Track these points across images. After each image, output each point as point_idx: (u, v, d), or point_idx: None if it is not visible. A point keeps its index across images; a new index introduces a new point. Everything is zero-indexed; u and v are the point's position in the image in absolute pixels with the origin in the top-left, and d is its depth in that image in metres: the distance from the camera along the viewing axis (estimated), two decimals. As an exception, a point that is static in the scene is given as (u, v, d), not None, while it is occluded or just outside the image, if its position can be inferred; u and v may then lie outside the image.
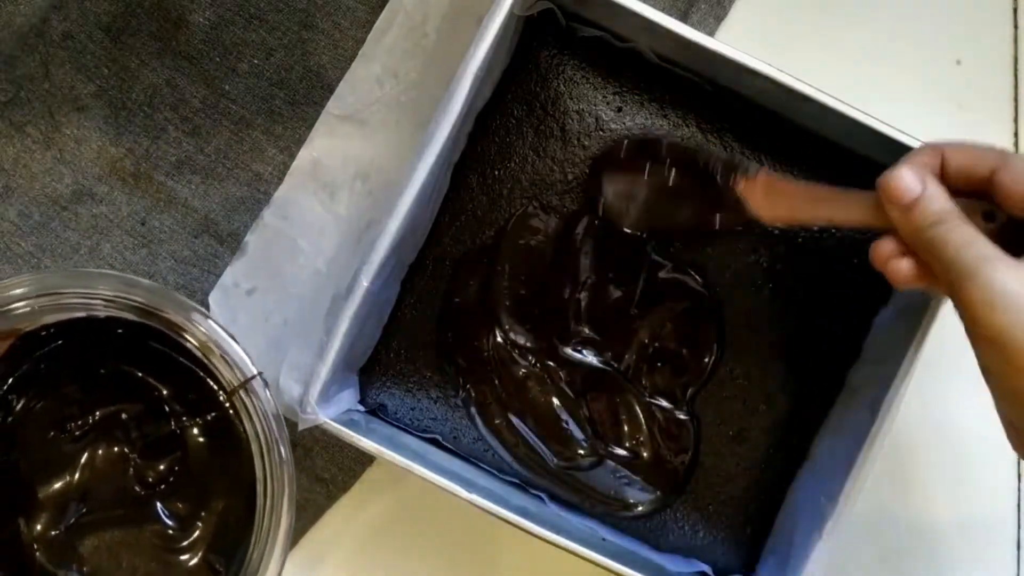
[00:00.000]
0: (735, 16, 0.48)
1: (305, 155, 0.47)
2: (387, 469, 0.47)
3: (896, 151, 0.41)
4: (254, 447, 0.37)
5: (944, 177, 0.35)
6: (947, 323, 0.42)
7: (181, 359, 0.39)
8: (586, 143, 0.45)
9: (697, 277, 0.45)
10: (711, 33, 0.48)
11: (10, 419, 0.40)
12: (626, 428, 0.46)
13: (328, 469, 0.48)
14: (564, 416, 0.45)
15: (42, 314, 0.37)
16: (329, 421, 0.40)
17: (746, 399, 0.46)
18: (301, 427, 0.41)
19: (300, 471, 0.48)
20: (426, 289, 0.46)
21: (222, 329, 0.36)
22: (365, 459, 0.48)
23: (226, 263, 0.47)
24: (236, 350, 0.36)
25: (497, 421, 0.45)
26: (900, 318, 0.43)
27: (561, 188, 0.46)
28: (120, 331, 0.38)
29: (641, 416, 0.45)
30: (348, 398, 0.44)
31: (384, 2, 0.47)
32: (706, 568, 0.45)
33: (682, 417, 0.46)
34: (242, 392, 0.36)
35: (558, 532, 0.41)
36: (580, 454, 0.45)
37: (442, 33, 0.47)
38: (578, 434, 0.45)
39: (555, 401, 0.45)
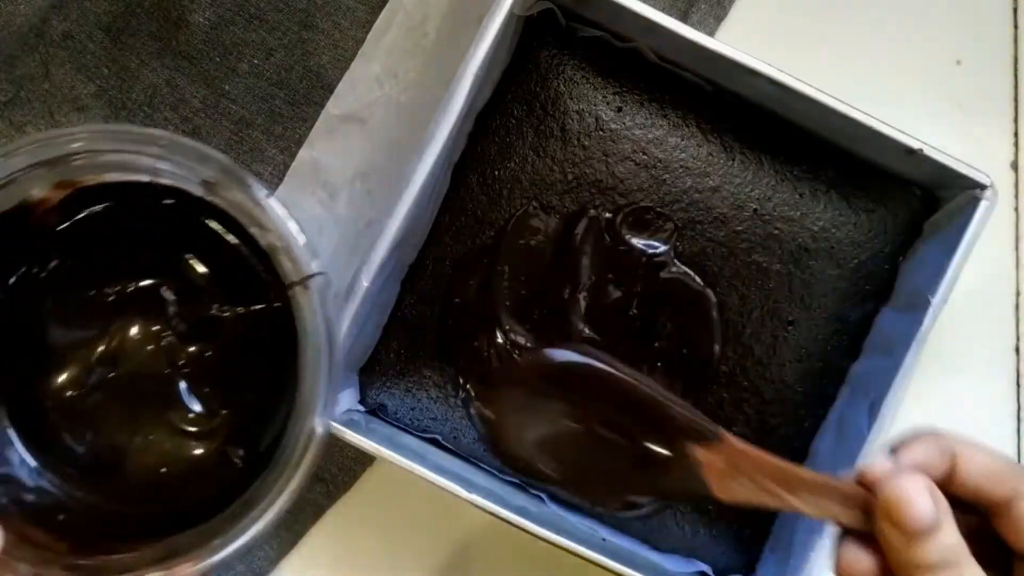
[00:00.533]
0: (735, 16, 0.48)
1: (305, 155, 0.47)
2: (387, 469, 0.47)
3: (896, 151, 0.41)
4: (302, 344, 0.34)
5: (948, 486, 0.29)
6: (948, 323, 0.42)
7: (240, 245, 0.36)
8: (586, 143, 0.45)
9: (697, 277, 0.45)
10: (711, 33, 0.48)
11: (47, 272, 0.37)
12: (626, 428, 0.46)
13: (328, 469, 0.48)
14: (564, 416, 0.45)
15: (105, 170, 0.35)
16: (329, 421, 0.40)
17: (746, 399, 0.46)
18: (301, 427, 0.41)
19: (300, 471, 0.48)
20: (426, 289, 0.46)
21: (292, 221, 0.33)
22: (365, 459, 0.48)
23: (226, 263, 0.47)
24: (301, 247, 0.33)
25: (497, 421, 0.45)
26: (901, 318, 0.43)
27: (561, 188, 0.46)
28: (177, 203, 0.36)
29: (641, 416, 0.45)
30: (348, 398, 0.44)
31: (384, 2, 0.47)
32: (706, 568, 0.45)
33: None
34: (299, 289, 0.33)
35: (558, 532, 0.41)
36: (580, 454, 0.45)
37: (442, 33, 0.47)
38: (578, 434, 0.45)
39: (555, 401, 0.45)
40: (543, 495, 0.45)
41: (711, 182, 0.45)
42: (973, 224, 0.41)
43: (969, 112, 0.49)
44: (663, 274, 0.45)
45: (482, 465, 0.45)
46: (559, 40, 0.45)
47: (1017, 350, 0.49)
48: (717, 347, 0.46)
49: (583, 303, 0.45)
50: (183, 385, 0.39)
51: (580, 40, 0.45)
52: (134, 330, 0.39)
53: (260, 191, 0.34)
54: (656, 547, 0.46)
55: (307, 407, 0.34)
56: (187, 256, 0.39)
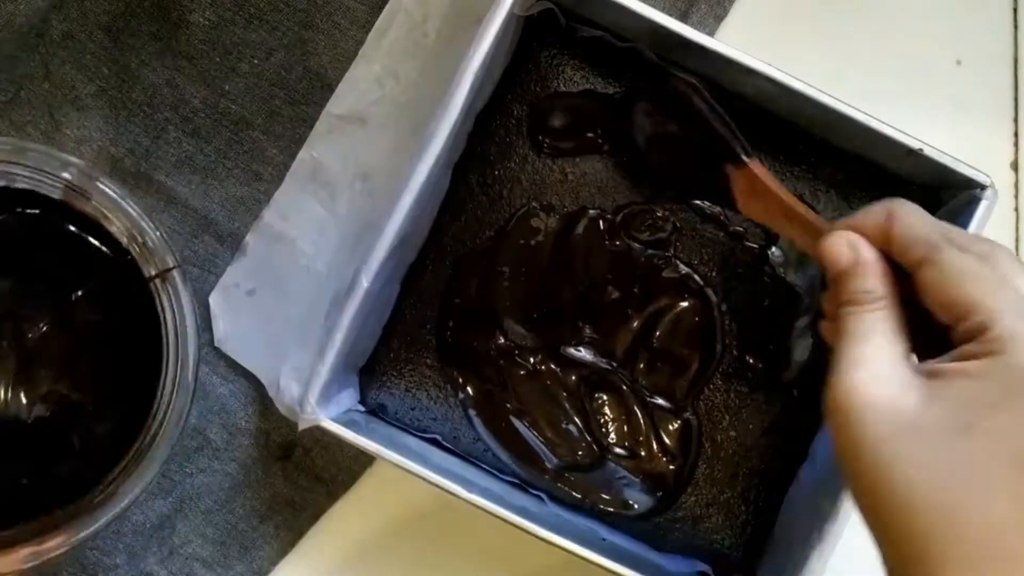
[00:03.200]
0: (735, 16, 0.48)
1: (305, 155, 0.47)
2: (387, 469, 0.47)
3: (896, 151, 0.41)
4: (164, 332, 0.37)
5: (888, 246, 0.32)
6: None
7: (99, 246, 0.39)
8: (586, 143, 0.45)
9: (697, 277, 0.45)
10: (711, 33, 0.48)
11: None
12: (626, 428, 0.46)
13: (328, 469, 0.48)
14: (564, 416, 0.45)
15: None
16: (329, 421, 0.40)
17: (746, 399, 0.46)
18: (301, 427, 0.41)
19: (300, 471, 0.48)
20: (426, 289, 0.46)
21: (147, 220, 0.36)
22: (365, 459, 0.48)
23: (226, 263, 0.47)
24: (158, 243, 0.36)
25: (497, 421, 0.45)
26: (900, 318, 0.43)
27: (561, 188, 0.46)
28: (39, 211, 0.38)
29: (641, 416, 0.45)
30: (348, 398, 0.44)
31: (384, 2, 0.47)
32: (706, 568, 0.45)
33: (682, 417, 0.46)
34: (158, 282, 0.36)
35: (558, 532, 0.41)
36: (580, 454, 0.45)
37: (442, 33, 0.47)
38: (578, 434, 0.45)
39: (555, 401, 0.45)
40: (543, 495, 0.45)
41: (711, 182, 0.45)
42: (973, 224, 0.41)
43: (969, 112, 0.49)
44: (664, 274, 0.45)
45: (482, 465, 0.45)
46: (559, 40, 0.45)
47: (1017, 350, 0.48)
48: (719, 347, 0.46)
49: (583, 303, 0.45)
50: (45, 372, 0.40)
51: (580, 40, 0.45)
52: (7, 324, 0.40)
53: (116, 192, 0.36)
54: (656, 547, 0.46)
55: (172, 388, 0.36)
56: (51, 259, 0.40)
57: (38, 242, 0.40)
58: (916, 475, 0.27)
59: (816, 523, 0.40)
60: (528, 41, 0.45)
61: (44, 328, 0.40)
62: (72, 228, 0.39)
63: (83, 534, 0.35)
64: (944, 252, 0.30)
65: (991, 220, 0.41)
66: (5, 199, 0.38)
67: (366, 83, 0.47)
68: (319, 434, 0.47)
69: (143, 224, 0.36)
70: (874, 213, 0.32)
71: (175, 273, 0.36)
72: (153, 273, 0.36)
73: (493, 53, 0.40)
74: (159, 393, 0.37)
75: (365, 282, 0.40)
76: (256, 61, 0.47)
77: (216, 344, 0.47)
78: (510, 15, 0.40)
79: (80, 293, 0.40)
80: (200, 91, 0.47)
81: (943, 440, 0.27)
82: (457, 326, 0.46)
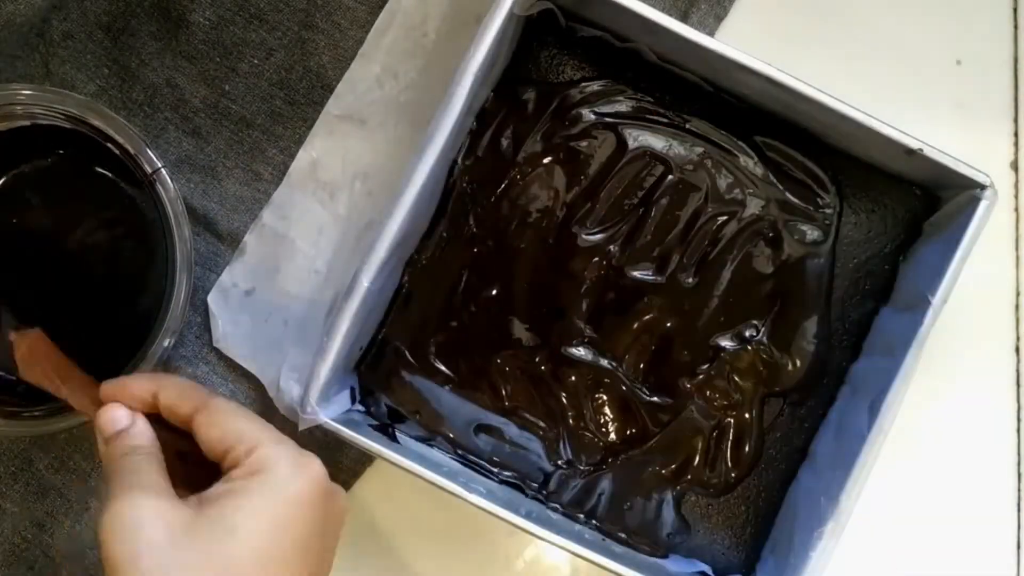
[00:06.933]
0: (735, 16, 0.48)
1: (305, 155, 0.47)
2: (387, 469, 0.47)
3: (896, 151, 0.41)
4: (166, 222, 0.43)
5: (159, 409, 0.37)
6: (948, 323, 0.42)
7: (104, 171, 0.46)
8: (586, 143, 0.45)
9: (692, 279, 0.45)
10: (711, 33, 0.48)
11: None
12: (626, 428, 0.46)
13: (328, 469, 0.48)
14: (563, 416, 0.45)
15: None
16: (329, 421, 0.40)
17: (746, 399, 0.46)
18: (301, 427, 0.41)
19: (300, 471, 0.48)
20: (426, 289, 0.46)
21: (133, 130, 0.43)
22: (365, 459, 0.48)
23: (227, 262, 0.47)
24: (147, 151, 0.43)
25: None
26: (901, 317, 0.43)
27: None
28: (62, 152, 0.46)
29: (641, 416, 0.46)
30: (348, 398, 0.44)
31: (384, 2, 0.47)
32: (706, 568, 0.45)
33: (682, 416, 0.46)
34: (156, 178, 0.43)
35: (558, 532, 0.41)
36: (580, 455, 0.45)
37: (442, 33, 0.47)
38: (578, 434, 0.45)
39: (555, 401, 0.45)
40: (543, 495, 0.45)
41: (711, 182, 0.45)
42: (973, 224, 0.41)
43: (969, 112, 0.49)
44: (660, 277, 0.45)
45: (482, 465, 0.45)
46: (559, 40, 0.45)
47: (1017, 350, 0.49)
48: (717, 347, 0.46)
49: (584, 303, 0.45)
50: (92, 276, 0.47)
51: (580, 40, 0.45)
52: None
53: (109, 111, 0.43)
54: (656, 547, 0.46)
55: (175, 276, 0.43)
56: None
57: (65, 173, 0.47)
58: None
59: (816, 523, 0.40)
60: (528, 41, 0.45)
61: (81, 241, 0.47)
62: (84, 155, 0.45)
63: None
64: (212, 401, 0.36)
65: (991, 220, 0.41)
66: (35, 138, 0.45)
67: (366, 83, 0.47)
68: (319, 434, 0.47)
69: (132, 134, 0.43)
70: (140, 385, 0.37)
71: (163, 171, 0.43)
72: (149, 171, 0.43)
73: (493, 53, 0.40)
74: (167, 267, 0.44)
75: (365, 282, 0.40)
76: (256, 61, 0.47)
77: (215, 344, 0.47)
78: (510, 15, 0.40)
79: (101, 210, 0.47)
80: (200, 91, 0.47)
81: (209, 547, 0.32)
82: (457, 326, 0.46)
